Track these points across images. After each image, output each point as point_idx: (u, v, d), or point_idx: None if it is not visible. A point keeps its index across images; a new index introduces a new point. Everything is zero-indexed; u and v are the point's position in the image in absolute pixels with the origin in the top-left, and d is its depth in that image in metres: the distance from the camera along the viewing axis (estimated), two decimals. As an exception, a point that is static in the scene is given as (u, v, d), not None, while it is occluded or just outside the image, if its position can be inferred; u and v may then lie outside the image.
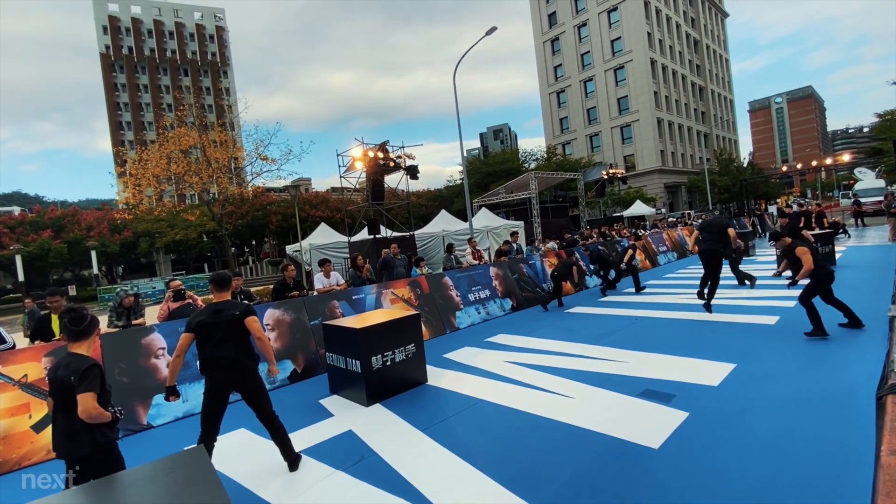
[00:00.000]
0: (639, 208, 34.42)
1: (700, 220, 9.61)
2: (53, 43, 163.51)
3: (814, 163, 46.77)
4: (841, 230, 17.60)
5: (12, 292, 33.06)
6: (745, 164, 58.45)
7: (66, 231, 31.97)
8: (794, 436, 3.35)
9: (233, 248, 33.96)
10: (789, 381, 4.41)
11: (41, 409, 4.53)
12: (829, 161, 47.86)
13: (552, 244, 14.16)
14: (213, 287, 3.67)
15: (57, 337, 5.42)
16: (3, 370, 4.53)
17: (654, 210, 37.23)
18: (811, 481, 2.79)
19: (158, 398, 5.15)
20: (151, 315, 7.29)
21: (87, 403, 2.51)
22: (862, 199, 25.92)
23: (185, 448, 3.19)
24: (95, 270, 30.63)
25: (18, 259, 25.62)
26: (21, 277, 25.94)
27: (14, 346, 5.32)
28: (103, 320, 6.44)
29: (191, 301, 6.69)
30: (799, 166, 51.87)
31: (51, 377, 2.68)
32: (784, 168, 57.93)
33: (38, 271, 30.83)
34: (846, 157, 46.73)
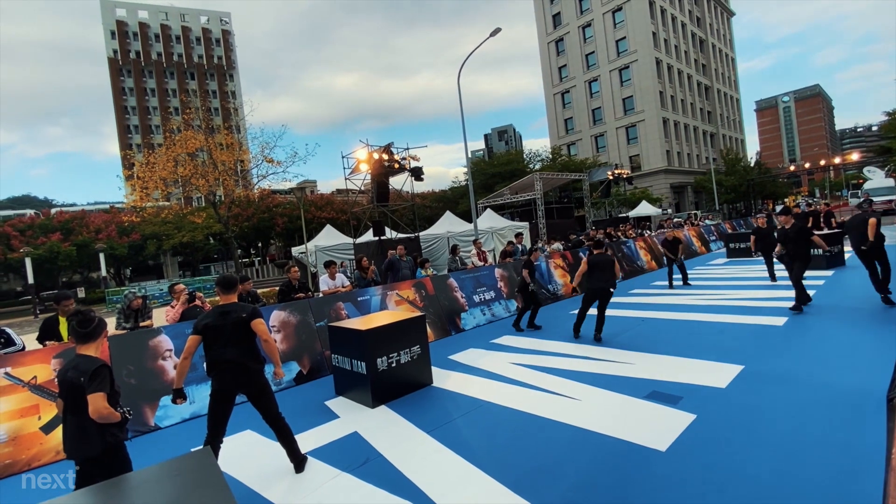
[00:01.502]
0: (644, 209, 34.23)
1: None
2: (62, 48, 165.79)
3: (822, 162, 46.38)
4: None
5: (23, 294, 33.44)
6: (752, 164, 57.99)
7: (74, 234, 32.34)
8: (804, 438, 3.32)
9: (239, 250, 34.15)
10: (798, 382, 4.36)
11: (50, 410, 4.57)
12: (837, 160, 47.45)
13: (557, 245, 14.11)
14: (220, 289, 3.69)
15: (65, 340, 5.47)
16: (13, 372, 4.58)
17: (659, 210, 37.00)
18: (821, 484, 2.76)
19: (166, 400, 5.19)
20: (159, 317, 7.34)
21: (97, 403, 2.54)
22: (873, 199, 25.59)
23: (193, 450, 3.21)
24: (104, 273, 30.91)
25: (28, 262, 25.91)
26: (31, 280, 26.24)
27: (24, 348, 5.37)
28: (111, 322, 6.50)
29: (198, 303, 6.73)
30: (807, 165, 51.48)
31: (60, 379, 2.71)
32: (792, 167, 57.46)
33: (47, 273, 31.18)
34: (855, 156, 46.28)
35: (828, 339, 5.58)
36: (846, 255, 11.94)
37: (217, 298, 3.75)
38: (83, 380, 2.58)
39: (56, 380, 4.58)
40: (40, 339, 5.51)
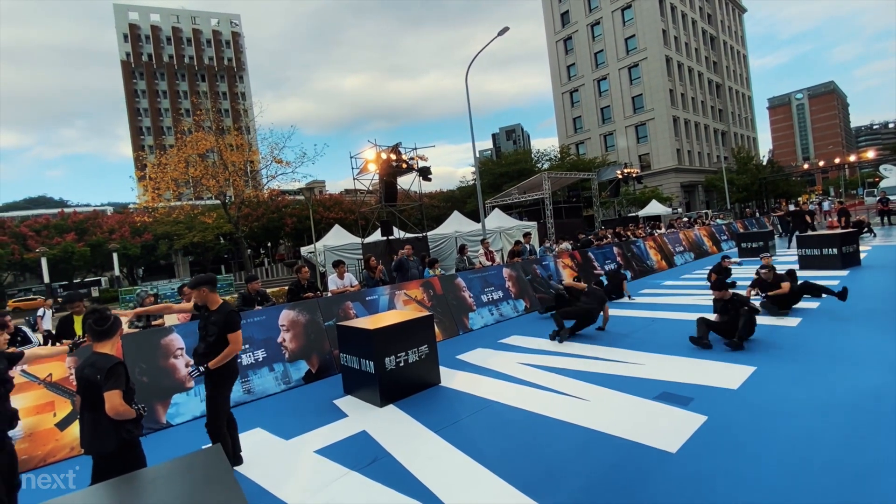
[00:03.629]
0: (654, 208, 33.90)
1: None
2: (77, 51, 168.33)
3: (837, 160, 45.54)
4: (866, 229, 17.10)
5: (39, 294, 34.05)
6: (764, 163, 57.17)
7: (89, 234, 32.85)
8: (818, 441, 3.26)
9: (249, 250, 34.43)
10: (812, 384, 4.29)
11: (65, 407, 4.65)
12: (852, 158, 46.59)
13: (566, 245, 14.04)
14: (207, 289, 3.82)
15: (78, 334, 5.57)
16: (28, 369, 4.67)
17: (669, 210, 36.64)
18: (835, 488, 2.72)
19: (177, 397, 5.26)
20: (170, 316, 7.42)
21: (113, 401, 2.60)
22: (890, 197, 25.10)
23: (203, 447, 3.25)
24: (117, 272, 31.38)
25: (44, 261, 26.39)
26: (46, 279, 26.74)
27: (39, 345, 5.47)
28: (124, 321, 6.58)
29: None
30: (821, 164, 50.60)
31: (77, 376, 2.77)
32: (805, 166, 56.52)
33: (62, 273, 31.73)
34: (871, 154, 45.43)
35: (843, 340, 5.48)
36: (862, 255, 11.73)
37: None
38: (99, 377, 2.64)
39: (73, 377, 4.68)
40: (56, 339, 5.62)
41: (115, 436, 2.66)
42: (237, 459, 3.80)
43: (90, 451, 2.73)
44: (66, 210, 44.46)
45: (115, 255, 30.25)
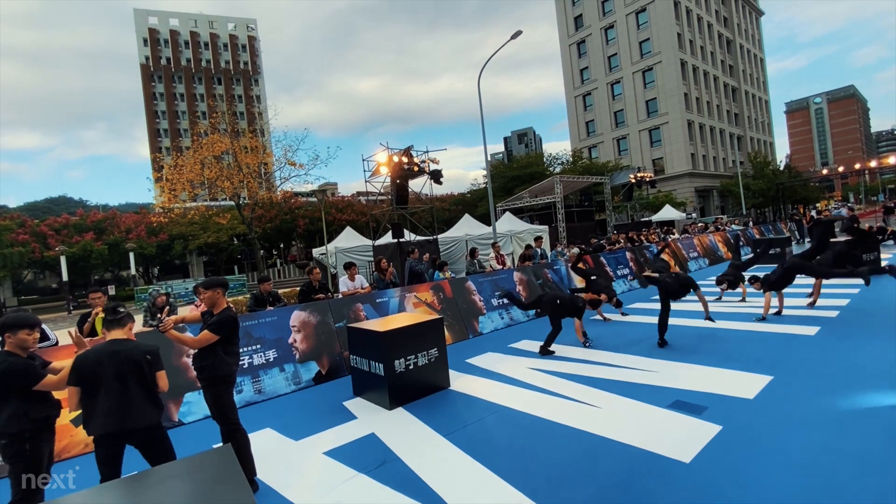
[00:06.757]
0: (668, 213, 33.48)
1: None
2: (99, 55, 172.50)
3: (857, 165, 44.58)
4: (889, 236, 16.66)
5: (57, 291, 34.84)
6: (781, 168, 56.15)
7: (106, 233, 33.51)
8: (836, 453, 3.17)
9: (261, 251, 34.83)
10: (831, 394, 4.18)
11: (80, 403, 4.72)
12: (873, 164, 45.54)
13: (577, 249, 13.92)
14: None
15: (100, 334, 5.68)
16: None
17: (683, 215, 36.15)
18: (855, 502, 2.63)
19: (189, 396, 5.31)
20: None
21: (165, 379, 3.05)
22: None
23: (214, 446, 3.27)
24: (133, 271, 31.94)
25: (63, 260, 26.98)
26: (65, 277, 27.33)
27: (57, 342, 5.58)
28: (139, 319, 6.71)
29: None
30: (840, 169, 49.55)
31: (114, 358, 2.93)
32: (824, 171, 55.35)
33: (80, 272, 32.38)
34: (892, 160, 44.35)
35: (862, 350, 5.33)
36: (883, 263, 11.41)
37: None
38: (149, 357, 2.99)
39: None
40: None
41: (156, 410, 3.01)
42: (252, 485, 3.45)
43: (138, 424, 2.90)
44: (86, 209, 45.42)
45: (131, 255, 30.80)
